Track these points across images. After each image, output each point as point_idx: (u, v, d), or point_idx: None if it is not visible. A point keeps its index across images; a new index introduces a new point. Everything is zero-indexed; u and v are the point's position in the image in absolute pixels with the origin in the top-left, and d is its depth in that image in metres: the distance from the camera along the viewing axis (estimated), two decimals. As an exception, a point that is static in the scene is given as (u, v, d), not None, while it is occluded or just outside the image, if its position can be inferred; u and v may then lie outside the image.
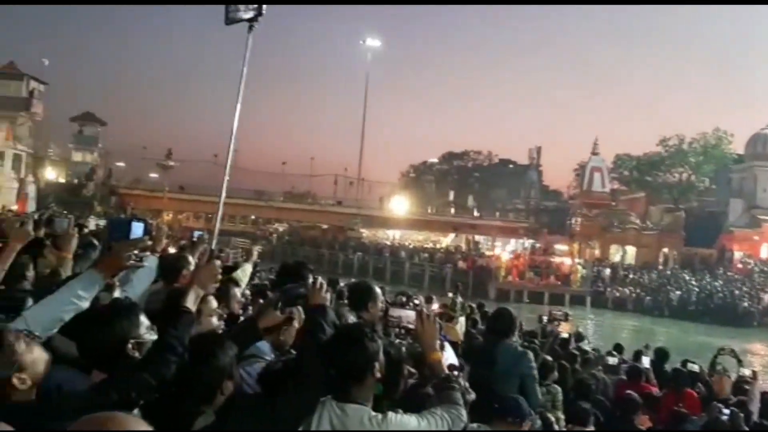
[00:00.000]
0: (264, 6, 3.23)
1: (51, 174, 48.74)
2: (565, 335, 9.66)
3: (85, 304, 2.54)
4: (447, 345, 4.06)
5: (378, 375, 2.48)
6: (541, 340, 9.89)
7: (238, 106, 3.16)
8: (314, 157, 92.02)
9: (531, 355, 5.13)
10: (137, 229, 2.76)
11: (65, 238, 4.37)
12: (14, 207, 20.21)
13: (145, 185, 57.98)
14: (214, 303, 3.69)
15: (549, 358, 6.74)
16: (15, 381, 1.96)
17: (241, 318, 5.53)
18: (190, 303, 2.52)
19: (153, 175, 60.41)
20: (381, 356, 2.52)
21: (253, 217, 59.39)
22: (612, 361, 9.07)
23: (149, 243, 2.71)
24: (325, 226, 56.71)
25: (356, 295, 4.14)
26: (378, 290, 4.23)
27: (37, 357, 2.07)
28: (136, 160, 62.50)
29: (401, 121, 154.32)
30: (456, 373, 3.03)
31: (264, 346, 3.28)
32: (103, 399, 2.03)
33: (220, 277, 3.04)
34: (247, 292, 6.45)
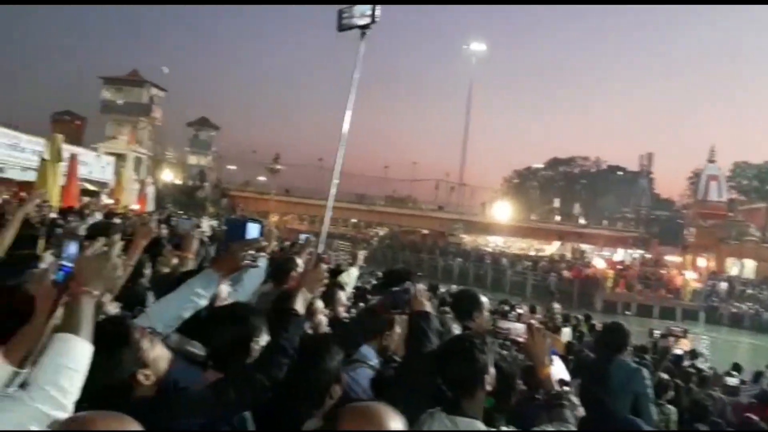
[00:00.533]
0: (378, 12, 3.17)
1: (168, 176, 51.42)
2: (678, 352, 9.17)
3: (204, 302, 2.62)
4: (556, 359, 3.91)
5: (489, 388, 2.39)
6: (653, 356, 9.44)
7: (349, 112, 3.15)
8: (416, 162, 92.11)
9: (646, 372, 4.87)
10: (253, 230, 2.81)
11: (188, 239, 4.51)
12: (135, 207, 21.38)
13: (254, 188, 60.14)
14: (321, 305, 3.73)
15: (665, 376, 6.39)
16: (140, 377, 2.01)
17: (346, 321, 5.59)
18: (299, 306, 2.55)
19: (261, 178, 62.64)
20: (492, 369, 2.44)
21: (354, 220, 60.27)
22: (732, 381, 8.53)
23: (263, 244, 2.74)
24: (425, 231, 56.67)
25: (462, 304, 4.04)
26: (484, 299, 4.11)
27: (159, 354, 2.12)
28: (246, 164, 64.92)
29: (505, 125, 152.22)
30: (566, 389, 2.90)
31: (368, 350, 3.28)
32: (221, 398, 2.07)
33: (326, 281, 3.05)
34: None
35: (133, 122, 45.44)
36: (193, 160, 57.00)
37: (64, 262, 1.83)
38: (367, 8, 3.20)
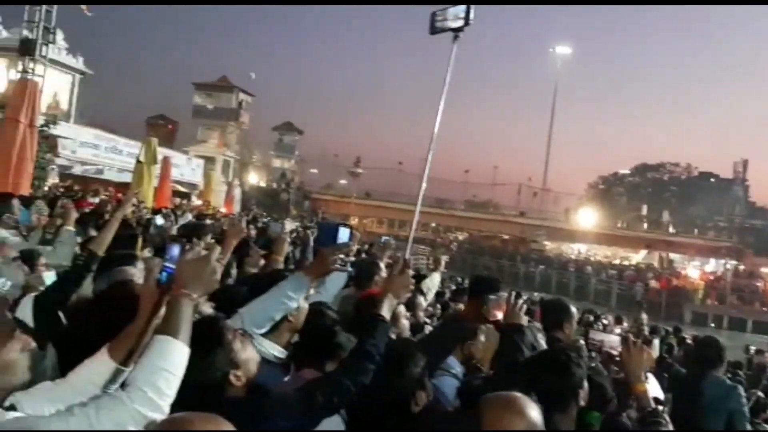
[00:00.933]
0: (472, 14, 3.09)
1: (254, 179, 52.84)
2: (777, 368, 8.63)
3: (294, 305, 2.64)
4: (650, 374, 3.74)
5: (582, 403, 2.30)
6: (747, 372, 8.93)
7: (439, 116, 3.10)
8: (497, 166, 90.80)
9: (742, 389, 4.61)
10: (344, 235, 2.80)
11: (279, 243, 4.57)
12: (223, 209, 22.10)
13: (335, 191, 61.02)
14: (403, 310, 3.71)
15: (761, 394, 6.04)
16: (231, 378, 2.04)
17: (427, 326, 5.54)
18: (386, 312, 2.51)
19: (342, 181, 63.50)
20: (585, 383, 2.34)
21: (433, 224, 60.09)
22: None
23: (354, 248, 2.73)
24: (506, 237, 55.83)
25: (551, 314, 3.96)
26: (574, 310, 4.00)
27: (250, 356, 2.15)
28: (327, 167, 65.95)
29: (590, 130, 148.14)
30: (661, 408, 2.76)
31: (450, 359, 3.23)
32: (309, 401, 2.08)
33: (412, 287, 3.02)
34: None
35: (222, 126, 46.91)
36: (277, 163, 58.23)
37: (167, 264, 1.86)
38: (461, 10, 3.12)
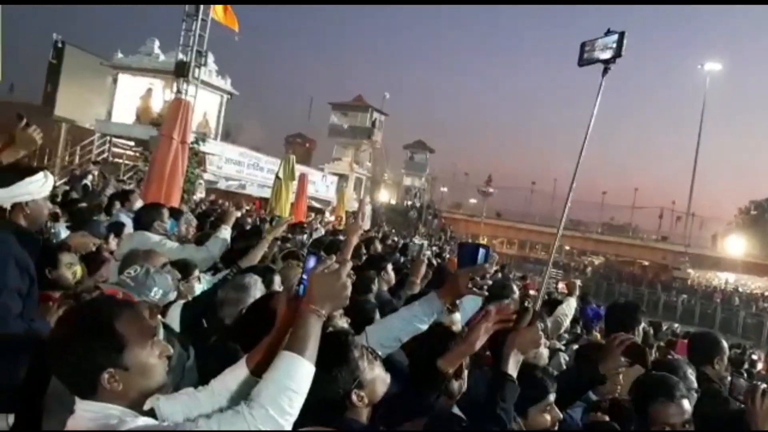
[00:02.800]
0: (624, 47, 2.83)
1: (384, 196, 53.82)
2: None
3: (424, 327, 2.54)
4: None
5: None
6: None
7: (584, 147, 2.89)
8: (638, 188, 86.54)
9: None
10: (482, 256, 2.68)
11: (417, 264, 4.52)
12: (354, 224, 22.53)
13: (465, 210, 60.78)
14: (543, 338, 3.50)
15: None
16: (354, 397, 1.98)
17: (561, 354, 5.26)
18: (512, 369, 2.34)
19: (472, 200, 63.17)
20: None
21: (567, 247, 58.17)
22: None
23: (491, 271, 2.59)
24: (645, 263, 52.93)
25: (701, 347, 3.72)
26: (725, 344, 3.69)
27: (377, 376, 2.07)
28: (457, 186, 65.91)
29: (741, 151, 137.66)
30: None
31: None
32: None
33: (542, 342, 2.84)
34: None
35: (356, 144, 48.18)
36: (407, 181, 58.86)
37: (305, 276, 1.83)
38: (611, 40, 2.85)
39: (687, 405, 2.50)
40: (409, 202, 53.56)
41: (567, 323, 5.21)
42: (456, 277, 2.63)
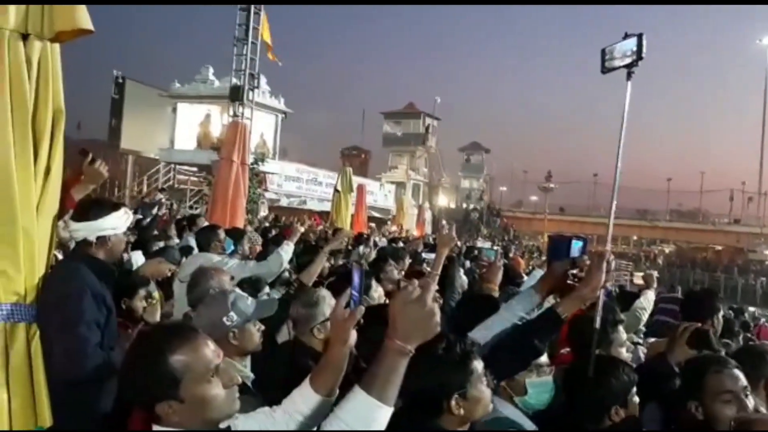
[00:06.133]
0: (644, 50, 2.76)
1: (443, 200, 53.57)
2: None
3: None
4: None
5: None
6: None
7: (619, 158, 2.83)
8: (704, 171, 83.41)
9: None
10: (576, 248, 2.62)
11: (493, 270, 4.42)
12: (415, 232, 22.59)
13: (526, 208, 59.93)
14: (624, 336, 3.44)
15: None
16: (453, 402, 1.94)
17: (640, 347, 5.13)
18: (565, 312, 2.41)
19: (533, 197, 62.26)
20: None
21: (635, 237, 56.58)
22: None
23: (587, 262, 2.53)
24: (719, 248, 50.94)
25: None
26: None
27: (484, 397, 2.01)
28: (517, 184, 65.09)
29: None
30: None
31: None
32: None
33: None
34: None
35: (410, 151, 48.18)
36: (465, 183, 58.50)
37: (354, 291, 1.76)
38: (630, 45, 2.78)
39: (742, 375, 2.43)
40: (471, 205, 53.18)
41: (645, 317, 5.06)
42: (552, 270, 2.60)
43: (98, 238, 2.95)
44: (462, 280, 5.76)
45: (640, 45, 2.76)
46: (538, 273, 5.75)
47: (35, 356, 2.52)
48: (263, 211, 19.00)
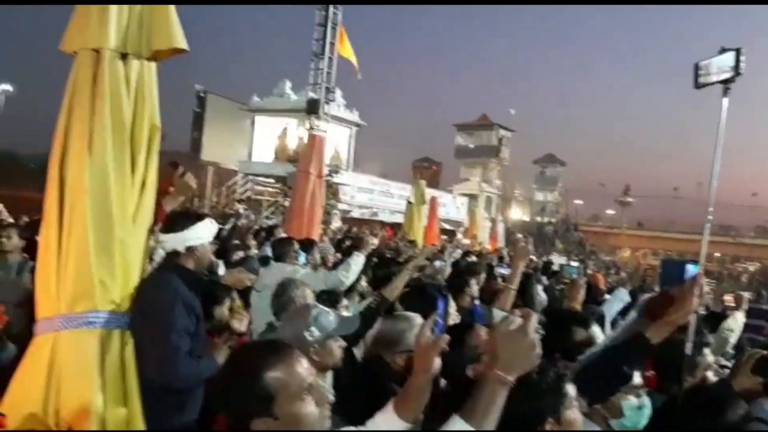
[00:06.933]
0: (742, 65, 2.59)
1: (516, 213, 52.86)
2: None
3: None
4: None
5: None
6: None
7: (715, 167, 2.70)
8: (794, 186, 78.59)
9: None
10: (691, 272, 2.47)
11: (575, 287, 4.30)
12: (487, 245, 22.33)
13: (603, 222, 58.34)
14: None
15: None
16: (547, 426, 1.89)
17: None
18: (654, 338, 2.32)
19: (610, 211, 60.53)
20: None
21: (717, 254, 54.08)
22: None
23: (705, 287, 2.38)
24: (812, 266, 48.13)
25: None
26: None
27: (576, 422, 1.96)
28: (593, 197, 63.50)
29: None
30: None
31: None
32: None
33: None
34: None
35: (483, 163, 47.82)
36: (539, 196, 57.58)
37: (438, 318, 1.77)
38: (727, 60, 2.61)
39: None
40: (545, 219, 52.23)
41: (733, 339, 4.82)
42: (666, 296, 2.43)
43: (186, 248, 3.04)
44: (541, 297, 5.65)
45: (738, 60, 2.63)
46: (622, 292, 5.57)
47: (128, 362, 2.63)
48: (336, 223, 19.23)
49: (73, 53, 2.69)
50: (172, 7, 2.72)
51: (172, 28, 2.71)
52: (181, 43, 2.73)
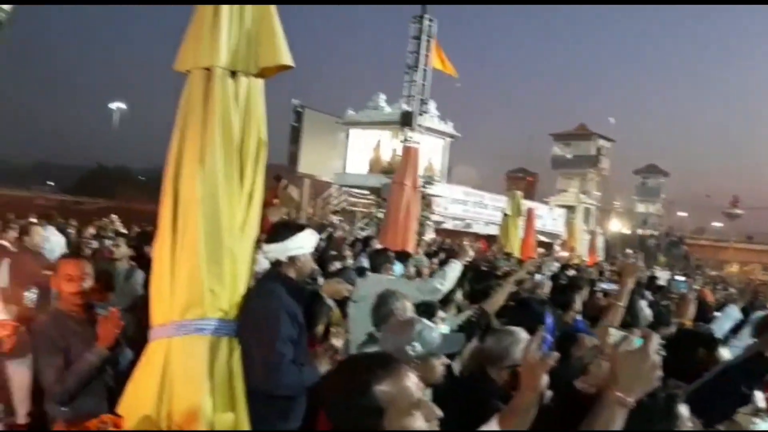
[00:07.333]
0: None
1: (615, 225, 51.07)
2: None
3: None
4: None
5: None
6: None
7: None
8: None
9: None
10: None
11: (684, 304, 4.11)
12: (586, 258, 21.63)
13: (709, 234, 55.40)
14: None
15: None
16: None
17: None
18: None
19: (717, 224, 57.43)
20: None
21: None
22: None
23: None
24: None
25: None
26: None
27: None
28: (699, 209, 60.44)
29: None
30: None
31: None
32: None
33: None
34: None
35: (581, 174, 46.64)
36: (640, 208, 55.59)
37: (547, 335, 1.74)
38: None
39: None
40: (647, 231, 50.19)
41: None
42: None
43: (289, 258, 3.11)
44: (645, 313, 5.41)
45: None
46: (733, 309, 5.25)
47: (236, 369, 2.72)
48: (430, 234, 19.22)
49: (186, 72, 2.82)
50: (278, 25, 2.81)
51: (279, 46, 2.79)
52: (287, 59, 2.81)
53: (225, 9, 2.72)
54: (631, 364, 1.51)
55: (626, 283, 3.73)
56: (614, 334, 1.75)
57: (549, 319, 1.68)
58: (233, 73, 2.78)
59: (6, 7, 10.48)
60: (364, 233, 17.35)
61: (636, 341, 1.58)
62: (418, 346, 2.42)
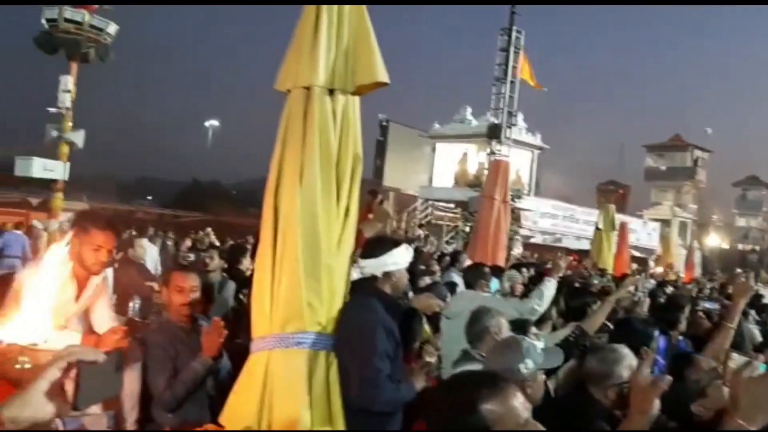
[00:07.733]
0: None
1: (713, 240, 48.62)
2: None
3: None
4: None
5: None
6: None
7: None
8: None
9: None
10: None
11: None
12: (682, 273, 20.66)
13: (819, 250, 51.82)
14: None
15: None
16: None
17: None
18: None
19: (828, 239, 53.66)
20: None
21: None
22: None
23: None
24: None
25: None
26: None
27: None
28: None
29: None
30: None
31: None
32: None
33: None
34: None
35: (676, 187, 44.81)
36: (741, 221, 52.78)
37: (659, 357, 1.67)
38: None
39: None
40: (748, 246, 47.49)
41: None
42: None
43: (384, 273, 3.12)
44: (752, 333, 5.11)
45: None
46: None
47: (333, 383, 2.75)
48: (518, 249, 18.89)
49: (286, 92, 2.90)
50: (375, 43, 2.85)
51: (375, 63, 2.83)
52: (383, 77, 2.84)
53: (324, 28, 2.78)
54: (755, 391, 1.44)
55: (738, 303, 3.53)
56: (736, 358, 1.66)
57: (662, 341, 1.58)
58: (331, 91, 2.83)
59: (111, 31, 11.08)
60: (450, 247, 17.26)
61: (761, 367, 1.49)
62: (530, 364, 2.38)
